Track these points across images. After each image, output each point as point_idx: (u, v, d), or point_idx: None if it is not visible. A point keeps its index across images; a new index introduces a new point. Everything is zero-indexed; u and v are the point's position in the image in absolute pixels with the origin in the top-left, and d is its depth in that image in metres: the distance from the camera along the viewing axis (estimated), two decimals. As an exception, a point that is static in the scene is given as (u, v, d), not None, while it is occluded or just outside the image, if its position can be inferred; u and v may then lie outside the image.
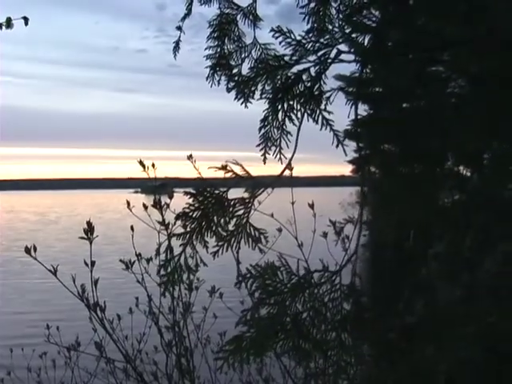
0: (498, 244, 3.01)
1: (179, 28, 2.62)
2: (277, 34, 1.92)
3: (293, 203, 3.61)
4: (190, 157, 4.01)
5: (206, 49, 2.51)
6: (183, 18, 2.61)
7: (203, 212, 1.77)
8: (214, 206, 1.78)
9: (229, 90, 2.14)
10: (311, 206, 3.69)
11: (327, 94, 2.07)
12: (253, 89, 2.00)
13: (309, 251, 3.56)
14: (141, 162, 3.70)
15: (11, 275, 17.99)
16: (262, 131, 2.07)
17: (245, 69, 2.52)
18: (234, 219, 1.83)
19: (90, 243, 3.24)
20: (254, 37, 2.52)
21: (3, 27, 2.73)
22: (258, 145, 2.09)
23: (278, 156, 2.10)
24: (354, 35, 1.98)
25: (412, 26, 1.94)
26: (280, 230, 3.85)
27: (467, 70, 2.96)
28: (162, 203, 3.98)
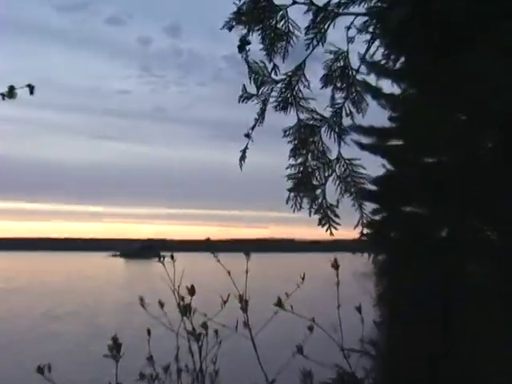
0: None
1: (248, 135, 2.26)
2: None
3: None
4: (207, 240, 3.68)
5: (287, 168, 2.16)
6: (253, 127, 2.25)
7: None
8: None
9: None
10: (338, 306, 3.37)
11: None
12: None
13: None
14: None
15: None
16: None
17: (328, 188, 2.20)
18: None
19: (117, 362, 2.81)
20: (339, 151, 2.21)
21: (5, 97, 2.24)
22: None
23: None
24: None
25: None
26: (311, 329, 3.52)
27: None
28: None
